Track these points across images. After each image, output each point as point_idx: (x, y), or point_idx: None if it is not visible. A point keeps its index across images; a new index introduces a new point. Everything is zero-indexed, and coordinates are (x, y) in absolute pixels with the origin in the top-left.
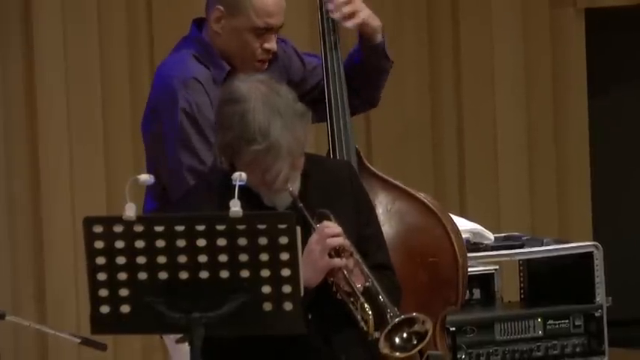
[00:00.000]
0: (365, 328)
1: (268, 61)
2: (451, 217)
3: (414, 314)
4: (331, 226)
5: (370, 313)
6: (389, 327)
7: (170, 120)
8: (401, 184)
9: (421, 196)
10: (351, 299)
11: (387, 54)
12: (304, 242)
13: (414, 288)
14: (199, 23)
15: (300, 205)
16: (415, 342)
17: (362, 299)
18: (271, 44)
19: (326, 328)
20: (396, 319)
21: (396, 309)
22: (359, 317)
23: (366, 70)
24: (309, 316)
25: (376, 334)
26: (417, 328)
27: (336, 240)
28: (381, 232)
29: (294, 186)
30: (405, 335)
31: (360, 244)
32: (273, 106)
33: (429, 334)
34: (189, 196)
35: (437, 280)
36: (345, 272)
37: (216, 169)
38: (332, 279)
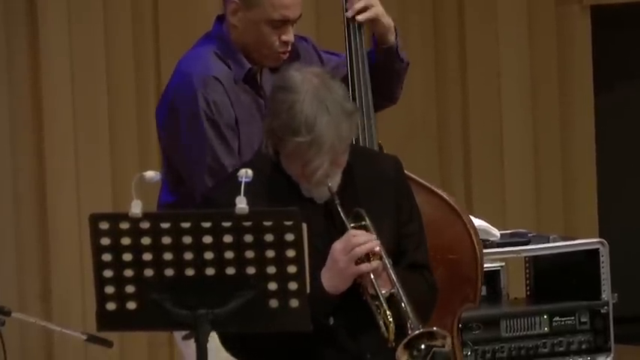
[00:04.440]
0: (385, 335)
1: (290, 58)
2: (468, 214)
3: (435, 329)
4: (358, 235)
5: (391, 320)
6: (407, 338)
7: (188, 119)
8: (422, 180)
9: (440, 192)
10: (375, 303)
11: (400, 56)
12: (335, 239)
13: None
14: (222, 20)
15: (337, 202)
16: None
17: (385, 305)
18: (289, 36)
19: (354, 329)
20: (416, 332)
21: (417, 320)
22: (381, 322)
23: (382, 70)
24: (332, 321)
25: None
26: (436, 342)
27: (362, 248)
28: (423, 231)
29: (334, 181)
30: (423, 347)
31: (400, 241)
32: (322, 101)
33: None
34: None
35: (456, 278)
36: (372, 276)
37: (261, 155)
38: (359, 280)
